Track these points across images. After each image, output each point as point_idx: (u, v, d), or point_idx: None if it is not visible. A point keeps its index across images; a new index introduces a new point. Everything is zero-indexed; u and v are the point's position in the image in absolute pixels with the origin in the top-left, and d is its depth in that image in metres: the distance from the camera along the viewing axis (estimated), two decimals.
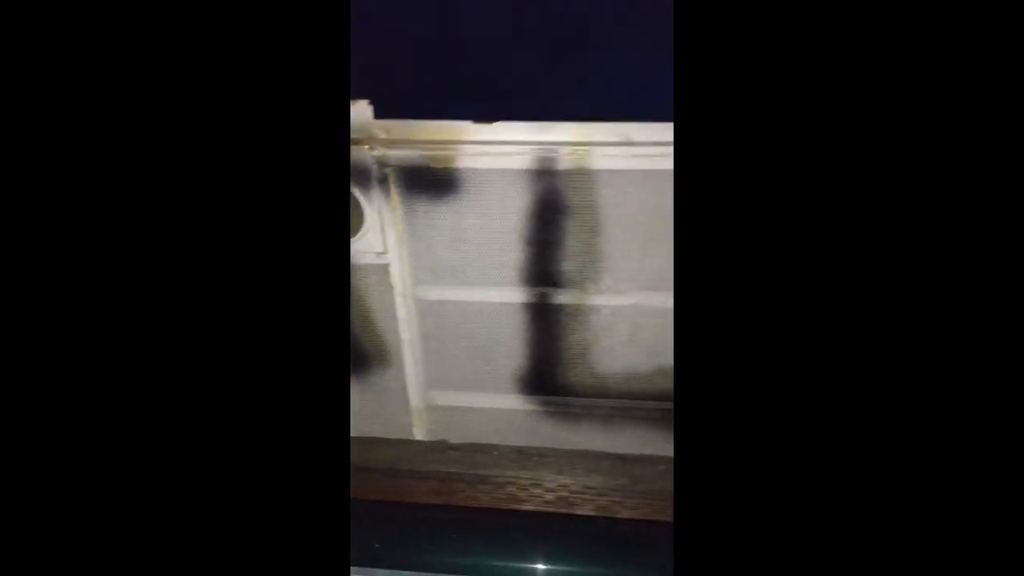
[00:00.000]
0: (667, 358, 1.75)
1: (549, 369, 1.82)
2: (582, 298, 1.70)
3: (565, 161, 1.51)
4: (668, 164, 1.50)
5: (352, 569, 1.42)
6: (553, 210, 1.58)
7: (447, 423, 1.94)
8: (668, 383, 1.79)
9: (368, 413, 1.92)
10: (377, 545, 1.50)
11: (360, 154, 1.52)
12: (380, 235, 1.64)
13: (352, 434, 1.88)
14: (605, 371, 1.80)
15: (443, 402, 1.91)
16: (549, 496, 1.66)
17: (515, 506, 1.63)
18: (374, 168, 1.54)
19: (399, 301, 1.73)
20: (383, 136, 1.51)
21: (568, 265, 1.66)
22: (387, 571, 1.54)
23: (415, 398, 1.90)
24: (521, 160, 1.52)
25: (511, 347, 1.79)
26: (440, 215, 1.60)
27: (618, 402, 1.84)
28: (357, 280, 1.71)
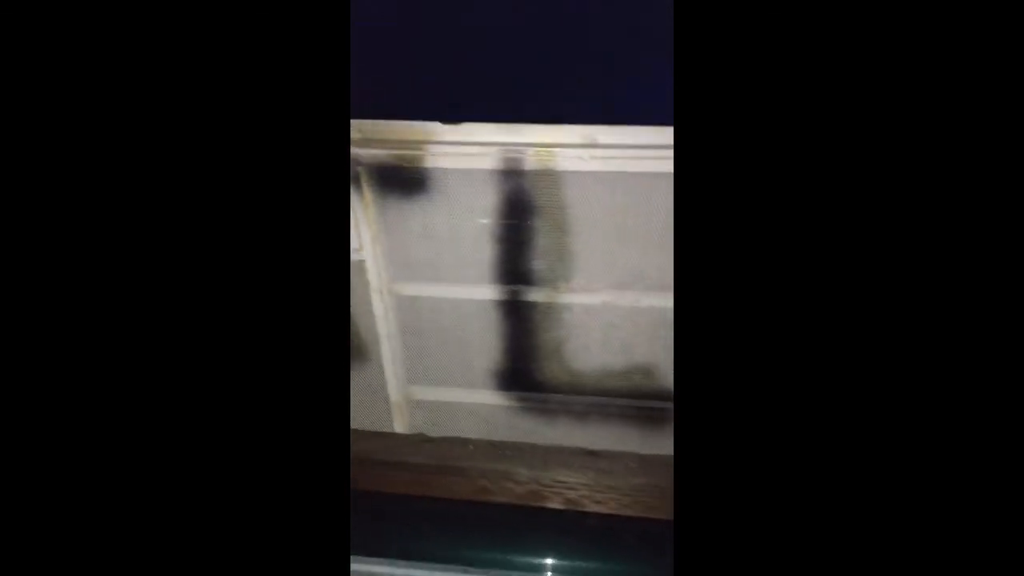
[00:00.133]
0: (640, 356, 1.78)
1: (524, 365, 1.85)
2: (554, 296, 1.73)
3: (531, 162, 1.54)
4: (633, 166, 1.52)
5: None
6: (522, 209, 1.61)
7: (426, 417, 1.98)
8: (642, 381, 1.81)
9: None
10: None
11: None
12: (355, 232, 1.68)
13: None
14: (579, 368, 1.83)
15: (422, 397, 1.95)
16: (520, 489, 1.69)
17: (486, 498, 1.67)
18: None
19: (376, 297, 1.77)
20: (356, 136, 1.55)
21: (539, 264, 1.69)
22: (387, 560, 1.58)
23: (394, 392, 1.94)
24: (488, 160, 1.55)
25: (487, 343, 1.83)
26: (412, 213, 1.64)
27: (593, 399, 1.87)
28: None
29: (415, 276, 1.75)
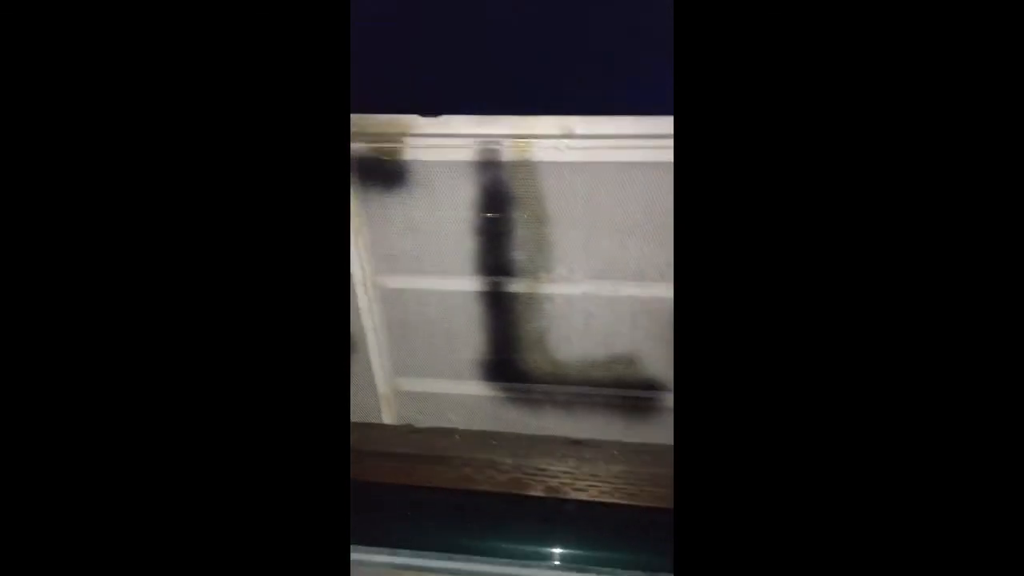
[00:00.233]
0: (620, 345, 1.80)
1: (508, 356, 1.87)
2: (535, 287, 1.75)
3: (509, 153, 1.56)
4: (608, 156, 1.54)
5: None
6: (502, 201, 1.63)
7: (414, 408, 2.01)
8: (624, 370, 1.83)
9: None
10: None
11: None
12: None
13: None
14: (562, 358, 1.85)
15: (409, 388, 1.98)
16: (502, 477, 1.71)
17: (469, 486, 1.69)
18: None
19: (360, 290, 1.80)
20: None
21: (519, 254, 1.71)
22: (388, 550, 1.60)
23: (382, 384, 1.96)
24: (468, 152, 1.58)
25: (471, 335, 1.85)
26: (393, 206, 1.67)
27: (577, 388, 1.89)
28: None
29: (398, 268, 1.77)
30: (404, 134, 1.57)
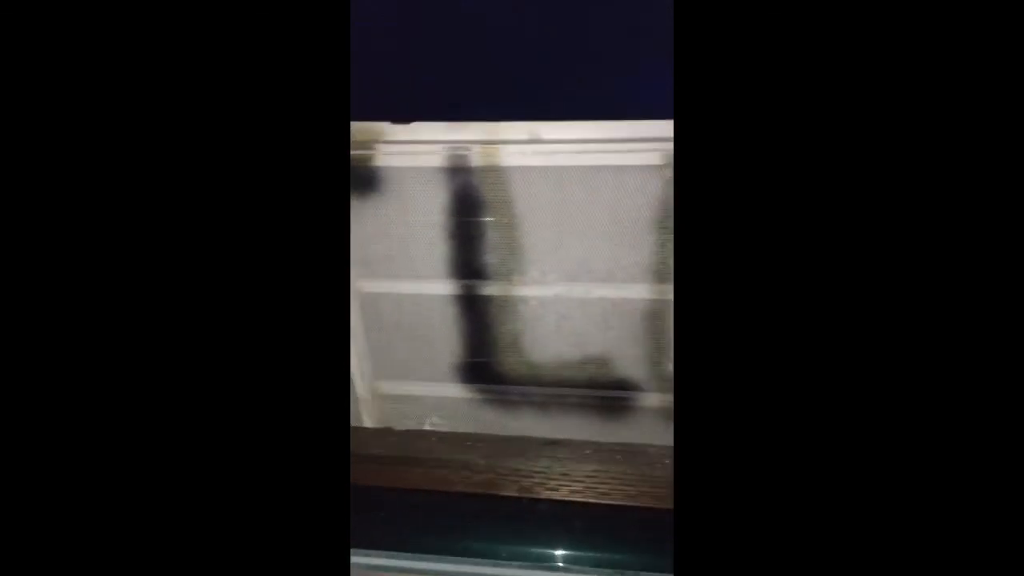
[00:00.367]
0: (593, 347, 1.82)
1: (485, 358, 1.90)
2: (509, 289, 1.78)
3: (479, 159, 1.60)
4: (575, 160, 1.57)
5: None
6: (471, 205, 1.66)
7: (393, 411, 2.03)
8: (597, 371, 1.86)
9: None
10: None
11: None
12: None
13: None
14: (537, 360, 1.88)
15: (388, 391, 2.01)
16: (476, 478, 1.73)
17: (443, 487, 1.71)
18: None
19: None
20: None
21: (492, 258, 1.74)
22: (360, 551, 1.62)
23: (361, 387, 1.99)
24: (438, 158, 1.61)
25: (447, 338, 1.88)
26: (366, 212, 1.70)
27: (552, 390, 1.91)
28: None
29: (374, 273, 1.80)
30: (375, 141, 1.60)
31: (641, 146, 1.53)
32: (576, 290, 1.74)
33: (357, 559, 1.63)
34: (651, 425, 1.88)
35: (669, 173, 1.55)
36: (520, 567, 1.60)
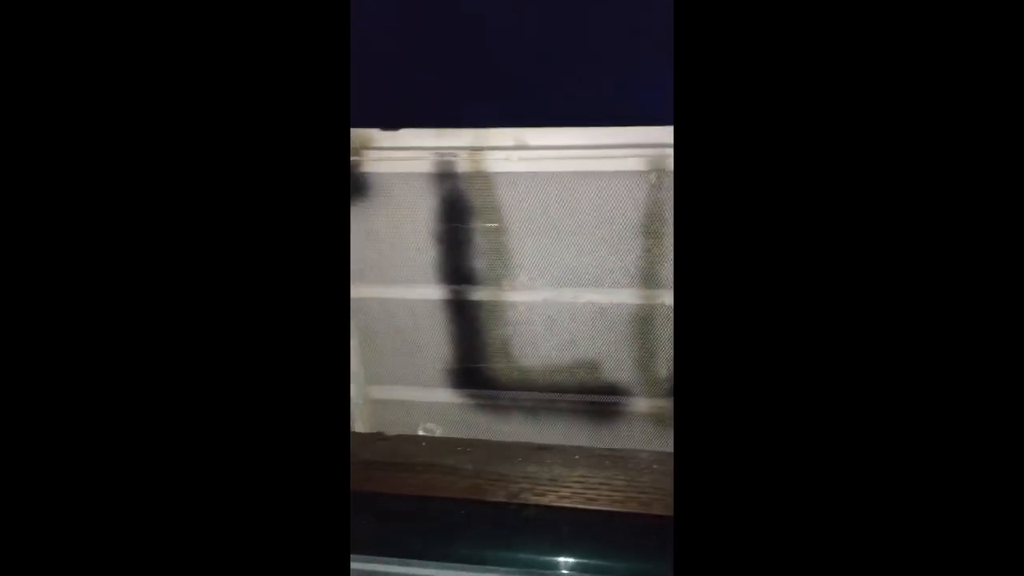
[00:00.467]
0: (582, 352, 1.83)
1: (475, 363, 1.90)
2: (498, 294, 1.79)
3: (466, 165, 1.61)
4: (561, 166, 1.58)
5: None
6: (459, 211, 1.68)
7: (385, 416, 2.04)
8: (587, 376, 1.86)
9: None
10: None
11: None
12: None
13: None
14: (527, 365, 1.88)
15: (379, 396, 2.01)
16: (463, 483, 1.73)
17: (429, 492, 1.72)
18: None
19: None
20: None
21: (481, 263, 1.75)
22: (371, 557, 1.63)
23: (354, 392, 2.00)
24: (426, 164, 1.62)
25: (438, 343, 1.89)
26: (356, 217, 1.71)
27: (542, 394, 1.92)
28: None
29: (364, 278, 1.81)
30: (363, 147, 1.62)
31: (626, 152, 1.54)
32: (564, 295, 1.75)
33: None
34: (640, 430, 1.88)
35: (654, 178, 1.56)
36: (506, 572, 1.60)
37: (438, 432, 2.02)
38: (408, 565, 1.59)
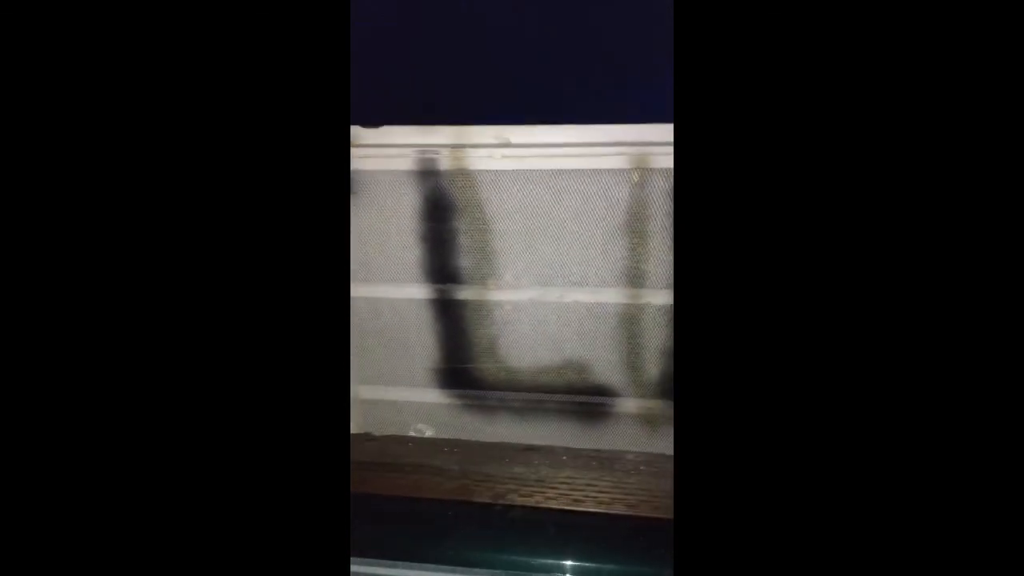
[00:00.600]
0: (570, 352, 1.81)
1: (462, 363, 1.89)
2: (484, 294, 1.77)
3: (448, 162, 1.59)
4: (544, 164, 1.57)
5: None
6: (443, 209, 1.66)
7: (373, 416, 2.03)
8: (574, 377, 1.84)
9: None
10: None
11: None
12: None
13: None
14: (514, 365, 1.87)
15: (368, 396, 2.00)
16: (450, 484, 1.72)
17: (416, 493, 1.70)
18: None
19: None
20: None
21: (465, 262, 1.74)
22: (373, 560, 1.62)
23: None
24: (406, 162, 1.61)
25: (423, 342, 1.87)
26: None
27: (530, 395, 1.90)
28: None
29: (351, 277, 1.80)
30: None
31: (610, 150, 1.52)
32: (550, 294, 1.73)
33: None
34: (627, 431, 1.87)
35: (637, 177, 1.54)
36: (492, 574, 1.59)
37: (428, 433, 2.01)
38: (395, 567, 1.58)
